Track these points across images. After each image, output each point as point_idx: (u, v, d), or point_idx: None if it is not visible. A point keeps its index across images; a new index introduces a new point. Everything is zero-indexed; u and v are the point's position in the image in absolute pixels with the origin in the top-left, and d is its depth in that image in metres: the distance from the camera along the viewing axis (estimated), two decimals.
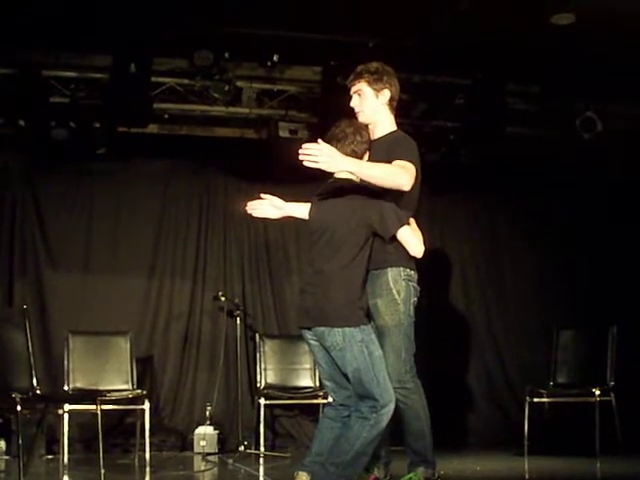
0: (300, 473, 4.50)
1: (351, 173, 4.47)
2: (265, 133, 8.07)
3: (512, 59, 7.36)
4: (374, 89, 4.81)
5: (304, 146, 4.28)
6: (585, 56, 7.18)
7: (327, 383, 4.66)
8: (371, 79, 4.80)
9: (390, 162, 4.55)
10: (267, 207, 4.97)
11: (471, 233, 9.11)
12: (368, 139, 4.66)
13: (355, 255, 4.45)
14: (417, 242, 4.66)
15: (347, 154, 4.50)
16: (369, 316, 4.61)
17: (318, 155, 4.26)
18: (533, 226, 9.11)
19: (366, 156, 4.64)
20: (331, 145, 4.54)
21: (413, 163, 4.59)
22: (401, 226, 4.56)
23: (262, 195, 4.97)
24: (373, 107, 4.82)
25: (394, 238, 4.58)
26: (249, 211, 4.97)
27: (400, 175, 4.48)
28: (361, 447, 4.35)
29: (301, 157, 4.26)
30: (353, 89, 4.85)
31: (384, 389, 4.39)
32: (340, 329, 4.37)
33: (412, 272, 4.69)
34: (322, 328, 4.41)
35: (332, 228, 4.50)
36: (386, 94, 4.83)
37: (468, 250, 9.08)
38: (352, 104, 4.85)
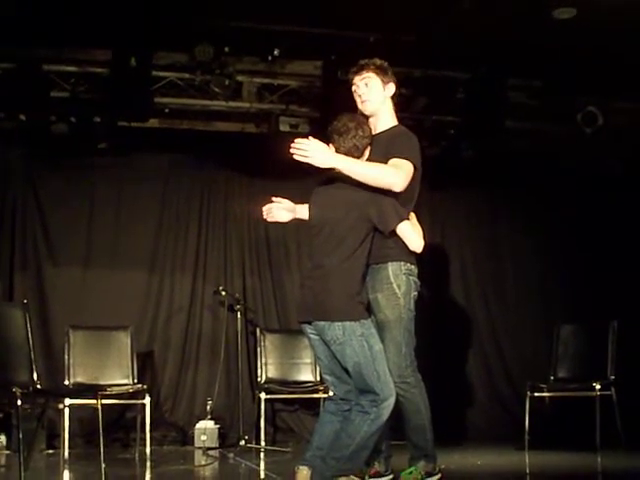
0: (301, 467, 4.50)
1: (341, 170, 4.48)
2: (266, 127, 8.06)
3: (513, 53, 7.34)
4: (382, 80, 4.82)
5: (296, 140, 4.37)
6: (586, 50, 7.16)
7: (327, 377, 4.65)
8: (379, 70, 4.81)
9: (388, 158, 4.57)
10: (279, 211, 4.96)
11: (471, 227, 9.10)
12: (370, 134, 4.65)
13: (355, 249, 4.45)
14: (417, 237, 4.66)
15: (349, 148, 4.53)
16: (369, 310, 4.62)
17: (309, 150, 4.35)
18: (534, 220, 9.10)
19: (367, 151, 4.63)
20: (333, 139, 4.57)
21: (411, 160, 4.60)
22: (400, 221, 4.56)
23: (273, 198, 4.95)
24: (379, 97, 4.83)
25: (394, 233, 4.58)
26: (265, 216, 4.96)
27: (392, 175, 4.50)
28: (362, 441, 4.36)
29: (292, 151, 4.37)
30: (360, 77, 4.81)
31: (384, 383, 4.39)
32: (340, 323, 4.36)
33: (412, 266, 4.70)
34: (322, 322, 4.41)
35: (332, 223, 4.50)
36: (391, 87, 4.85)
37: (468, 244, 9.08)
38: (360, 92, 4.81)
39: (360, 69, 4.82)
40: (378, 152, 4.64)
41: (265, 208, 4.98)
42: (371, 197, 4.48)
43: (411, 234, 4.63)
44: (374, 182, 4.47)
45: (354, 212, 4.47)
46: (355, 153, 4.56)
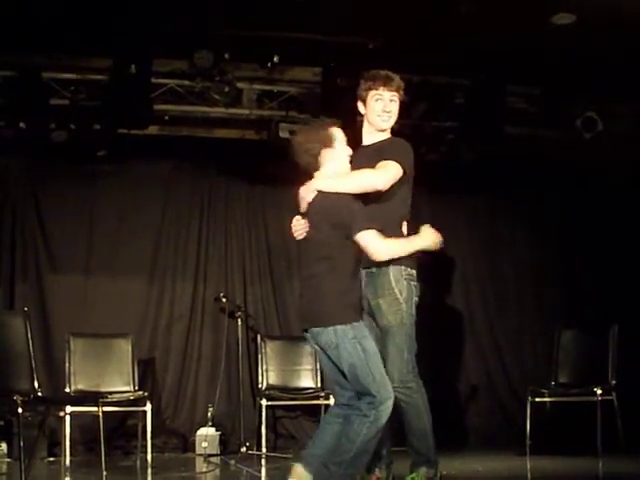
0: (296, 464, 4.48)
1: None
2: (265, 134, 8.07)
3: (512, 59, 7.35)
4: (401, 101, 4.94)
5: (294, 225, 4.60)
6: (586, 56, 7.17)
7: (333, 387, 4.67)
8: (402, 91, 4.93)
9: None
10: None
11: (471, 233, 9.10)
12: (322, 137, 4.55)
13: (338, 255, 4.43)
14: (378, 244, 4.50)
15: (307, 163, 4.56)
16: (370, 315, 4.62)
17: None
18: (534, 226, 9.11)
19: (331, 150, 4.55)
20: (295, 158, 4.58)
21: (398, 161, 4.68)
22: (361, 230, 4.46)
23: (296, 218, 4.76)
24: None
25: (389, 236, 4.55)
26: (296, 235, 4.75)
27: (370, 176, 4.59)
28: (362, 445, 4.36)
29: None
30: (390, 93, 4.88)
31: (381, 385, 4.38)
32: (332, 327, 4.38)
33: (413, 271, 4.74)
34: (316, 328, 4.44)
35: (311, 230, 4.53)
36: None
37: (468, 250, 9.07)
38: (389, 107, 4.87)
39: (391, 83, 4.88)
40: (371, 160, 4.70)
41: (296, 228, 4.72)
42: (343, 203, 4.46)
43: (372, 242, 4.47)
44: (356, 188, 4.49)
45: (327, 218, 4.46)
46: (314, 164, 4.56)
